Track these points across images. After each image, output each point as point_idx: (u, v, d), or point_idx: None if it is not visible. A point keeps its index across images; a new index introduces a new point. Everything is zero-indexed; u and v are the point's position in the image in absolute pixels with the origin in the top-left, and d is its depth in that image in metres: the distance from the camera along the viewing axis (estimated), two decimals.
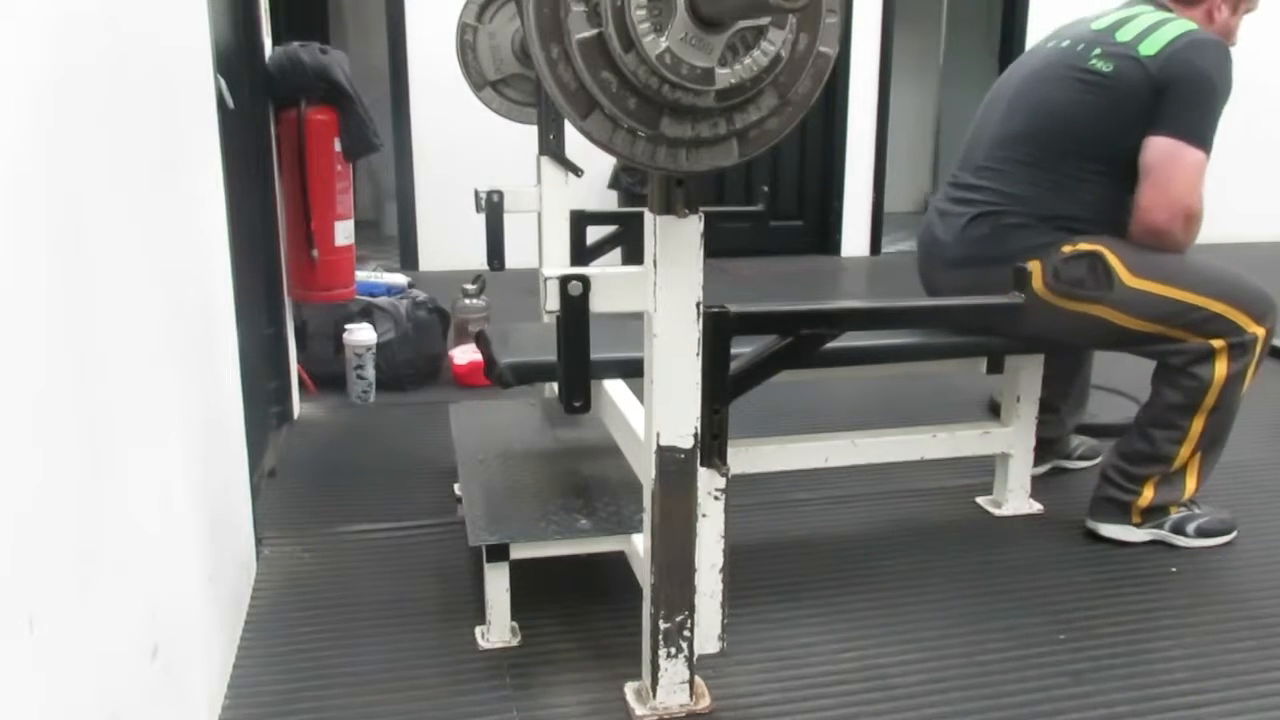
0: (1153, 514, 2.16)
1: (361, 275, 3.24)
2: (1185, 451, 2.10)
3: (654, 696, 1.60)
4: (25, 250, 0.92)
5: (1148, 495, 2.14)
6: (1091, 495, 2.23)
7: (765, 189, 5.27)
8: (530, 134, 2.58)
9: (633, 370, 1.69)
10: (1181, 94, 1.99)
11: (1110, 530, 2.19)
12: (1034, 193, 2.11)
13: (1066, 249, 2.07)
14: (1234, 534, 2.20)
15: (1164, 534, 2.17)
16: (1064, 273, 2.06)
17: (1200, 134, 2.00)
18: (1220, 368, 2.03)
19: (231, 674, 1.72)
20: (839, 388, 3.09)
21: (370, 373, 3.09)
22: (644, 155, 1.26)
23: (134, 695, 1.19)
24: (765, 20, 1.19)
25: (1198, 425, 2.08)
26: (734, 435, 1.59)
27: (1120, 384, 3.07)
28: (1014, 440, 2.29)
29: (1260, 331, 2.05)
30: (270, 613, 1.92)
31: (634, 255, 1.56)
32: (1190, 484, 2.14)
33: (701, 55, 1.17)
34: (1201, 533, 2.17)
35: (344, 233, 2.95)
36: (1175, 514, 2.17)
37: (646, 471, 1.53)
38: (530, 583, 1.86)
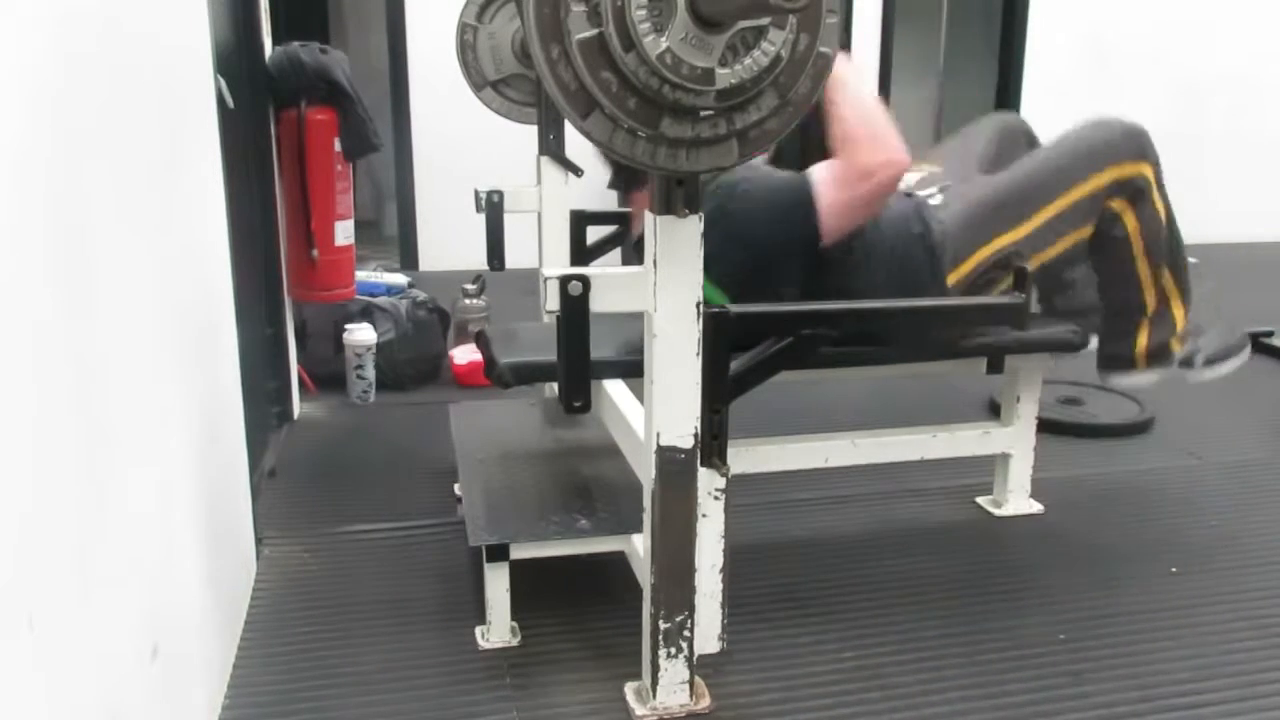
0: (1157, 356, 2.16)
1: (361, 275, 3.24)
2: (1151, 295, 2.12)
3: (654, 696, 1.60)
4: (25, 250, 0.92)
5: (1143, 341, 2.15)
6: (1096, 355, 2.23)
7: None
8: (530, 134, 2.58)
9: (633, 370, 1.69)
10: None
11: (1121, 380, 2.18)
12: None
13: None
14: (1246, 350, 2.19)
15: (1175, 371, 2.17)
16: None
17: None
18: (1130, 219, 2.05)
19: (231, 674, 1.72)
20: (839, 388, 3.09)
21: (370, 373, 3.09)
22: (644, 155, 1.26)
23: (134, 695, 1.19)
24: (765, 21, 1.19)
25: (1144, 269, 2.10)
26: (734, 435, 1.59)
27: None
28: (1014, 440, 2.29)
29: (1144, 168, 2.05)
30: (270, 613, 1.92)
31: (634, 255, 1.56)
32: (1178, 314, 2.14)
33: (702, 55, 1.17)
34: (1210, 363, 2.17)
35: (344, 233, 2.95)
36: (1179, 351, 2.16)
37: (646, 471, 1.53)
38: (530, 583, 1.86)
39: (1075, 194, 2.04)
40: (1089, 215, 2.05)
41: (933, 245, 2.04)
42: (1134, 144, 2.07)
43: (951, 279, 2.05)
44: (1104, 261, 2.13)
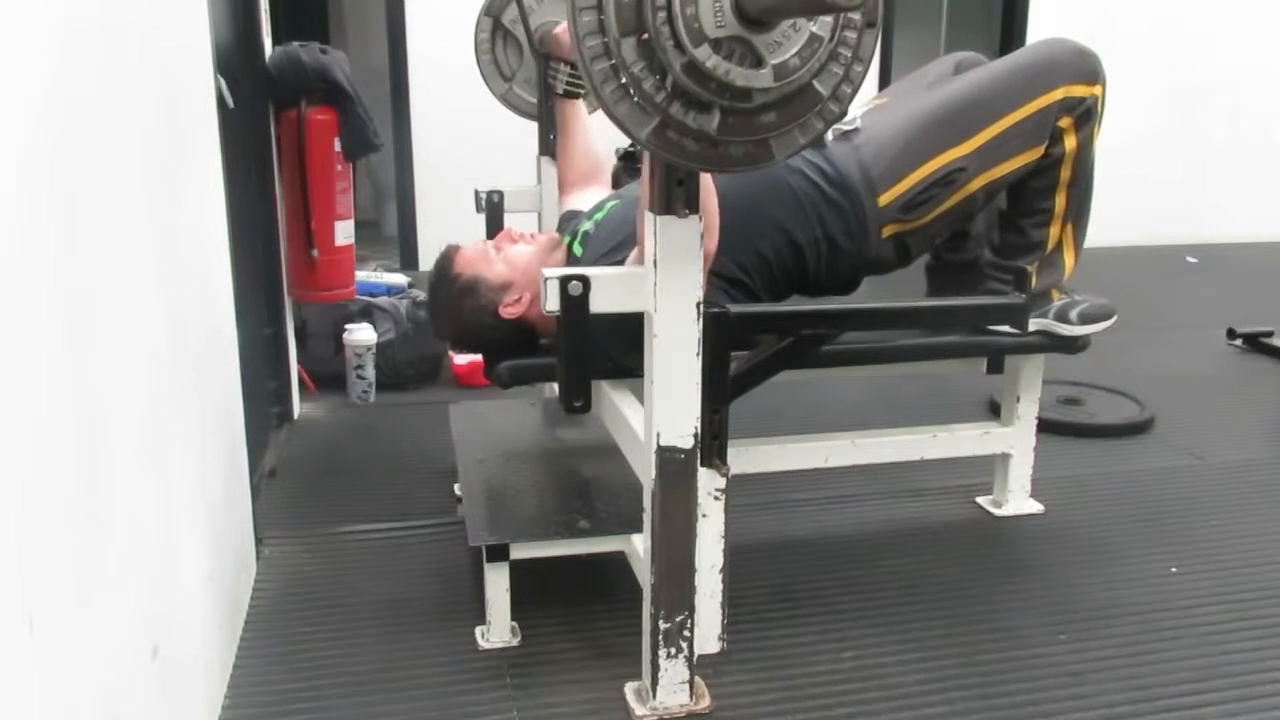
0: (1037, 301, 2.10)
1: (361, 275, 3.24)
2: (1055, 231, 2.08)
3: (654, 696, 1.60)
4: (26, 250, 0.92)
5: (1029, 285, 2.08)
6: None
7: None
8: (530, 134, 2.59)
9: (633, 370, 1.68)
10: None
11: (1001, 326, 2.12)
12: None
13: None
14: (1114, 318, 2.14)
15: (1049, 323, 2.12)
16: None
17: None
18: (1070, 140, 2.00)
19: (231, 674, 1.72)
20: (839, 388, 3.09)
21: (370, 373, 3.09)
22: (600, 76, 1.24)
23: (134, 695, 1.19)
24: (761, 55, 1.19)
25: (1060, 202, 2.05)
26: (734, 435, 1.59)
27: (1119, 383, 3.07)
28: (1014, 440, 2.29)
29: (1095, 90, 2.00)
30: (270, 613, 1.92)
31: None
32: (1068, 261, 2.11)
33: (711, 25, 1.17)
34: (1084, 319, 2.12)
35: (344, 233, 2.95)
36: (1058, 301, 2.12)
37: (646, 471, 1.53)
38: (530, 583, 1.86)
39: (1026, 109, 1.96)
40: (1039, 134, 1.98)
41: (838, 177, 1.98)
42: (1087, 64, 2.00)
43: (885, 198, 1.98)
44: (1031, 181, 2.04)
